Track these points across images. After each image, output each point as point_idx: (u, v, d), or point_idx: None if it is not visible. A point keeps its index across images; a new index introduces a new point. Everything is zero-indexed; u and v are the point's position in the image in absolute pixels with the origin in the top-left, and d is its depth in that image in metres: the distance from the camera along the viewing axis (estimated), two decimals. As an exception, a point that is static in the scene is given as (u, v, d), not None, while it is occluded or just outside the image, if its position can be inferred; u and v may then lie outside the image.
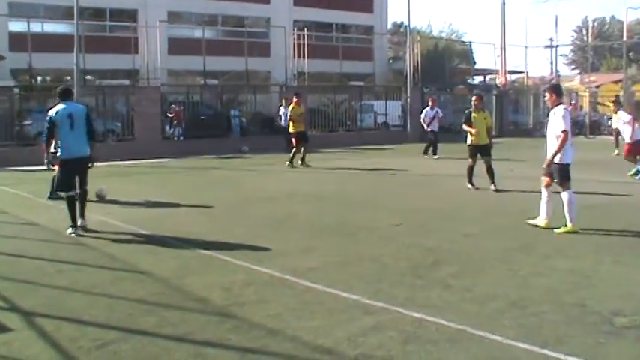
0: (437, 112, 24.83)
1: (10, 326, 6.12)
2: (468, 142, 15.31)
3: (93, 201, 12.43)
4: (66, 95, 11.03)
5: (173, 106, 30.88)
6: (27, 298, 7.00)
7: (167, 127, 30.81)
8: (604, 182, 16.02)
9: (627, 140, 18.32)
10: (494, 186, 14.85)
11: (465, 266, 8.05)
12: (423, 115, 25.21)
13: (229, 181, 17.91)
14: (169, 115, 30.72)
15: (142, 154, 25.41)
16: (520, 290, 6.94)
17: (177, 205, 13.53)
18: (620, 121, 18.77)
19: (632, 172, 17.51)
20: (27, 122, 27.22)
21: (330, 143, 28.15)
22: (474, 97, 16.13)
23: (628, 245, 9.12)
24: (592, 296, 6.69)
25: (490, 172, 15.06)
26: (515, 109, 43.79)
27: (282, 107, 29.97)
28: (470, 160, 15.28)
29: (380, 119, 38.34)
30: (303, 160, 21.19)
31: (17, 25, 36.46)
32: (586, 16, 62.57)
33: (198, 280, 7.57)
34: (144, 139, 27.76)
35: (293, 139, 21.29)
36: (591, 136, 37.34)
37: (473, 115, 15.27)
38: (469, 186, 15.15)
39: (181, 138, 30.67)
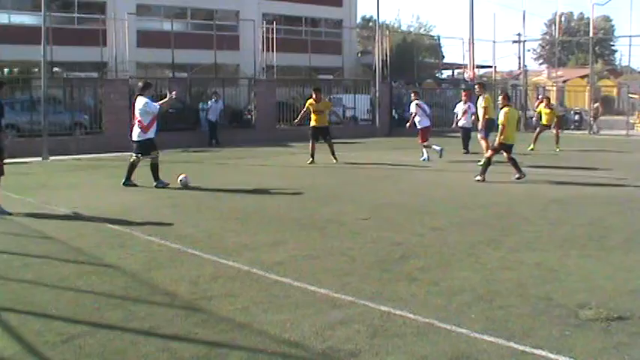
0: (469, 106, 23.46)
1: (-27, 321, 6.04)
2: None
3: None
4: None
5: None
6: (-9, 292, 6.93)
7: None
8: (573, 176, 16.18)
9: (419, 126, 20.37)
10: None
11: (432, 260, 8.09)
12: (456, 110, 24.08)
13: (198, 175, 17.80)
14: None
15: (110, 148, 25.10)
16: (487, 284, 6.99)
17: (145, 198, 13.44)
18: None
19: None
20: None
21: (299, 137, 28.02)
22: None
23: (593, 239, 9.22)
24: (558, 290, 6.76)
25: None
26: (483, 104, 43.77)
27: (210, 101, 29.81)
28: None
29: (348, 113, 38.35)
30: (332, 154, 20.83)
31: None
32: (556, 11, 63.14)
33: (165, 274, 7.53)
34: (112, 133, 27.40)
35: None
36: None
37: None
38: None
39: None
